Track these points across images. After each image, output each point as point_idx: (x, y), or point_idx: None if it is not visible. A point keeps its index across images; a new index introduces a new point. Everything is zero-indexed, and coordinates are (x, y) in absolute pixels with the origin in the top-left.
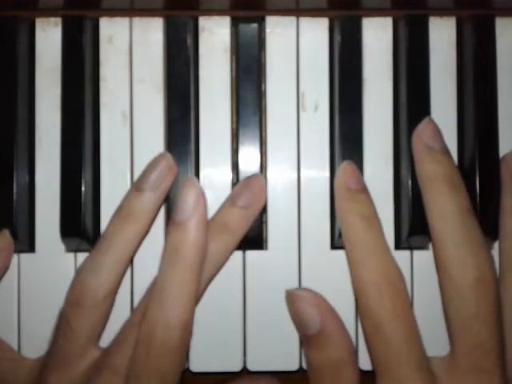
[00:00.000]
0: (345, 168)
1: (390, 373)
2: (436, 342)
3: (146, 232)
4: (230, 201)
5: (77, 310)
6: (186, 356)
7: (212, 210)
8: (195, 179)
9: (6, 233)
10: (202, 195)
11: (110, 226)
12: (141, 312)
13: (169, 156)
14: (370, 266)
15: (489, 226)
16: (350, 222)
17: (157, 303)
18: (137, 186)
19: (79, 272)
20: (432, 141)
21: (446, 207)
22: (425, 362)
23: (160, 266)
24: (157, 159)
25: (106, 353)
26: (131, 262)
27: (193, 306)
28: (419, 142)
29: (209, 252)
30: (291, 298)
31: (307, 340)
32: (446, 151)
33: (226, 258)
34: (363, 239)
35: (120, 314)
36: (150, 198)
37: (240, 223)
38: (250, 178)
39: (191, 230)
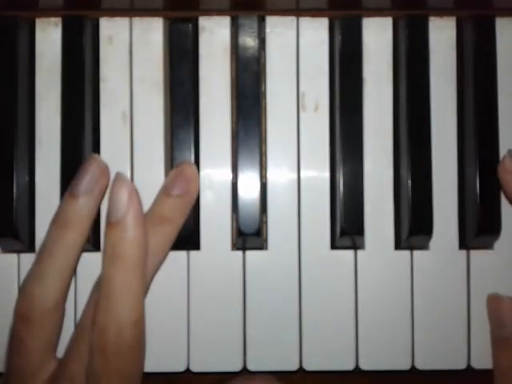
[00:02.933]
0: None
1: None
2: (436, 342)
3: (87, 236)
4: (165, 191)
5: (28, 325)
6: (143, 353)
7: (212, 210)
8: (124, 175)
9: None
10: (134, 190)
11: (49, 235)
12: (89, 316)
13: (98, 158)
14: None
15: (488, 226)
16: None
17: (104, 306)
18: (70, 192)
19: (24, 285)
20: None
21: None
22: None
23: (102, 268)
24: (87, 163)
25: (62, 363)
26: None
27: (141, 303)
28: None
29: (150, 245)
30: (493, 300)
31: (499, 342)
32: None
33: (168, 249)
34: None
35: None
36: (85, 202)
37: (177, 212)
38: (180, 166)
39: (128, 228)
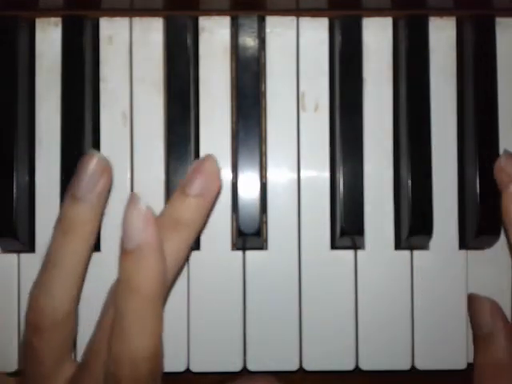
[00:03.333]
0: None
1: None
2: (436, 342)
3: (94, 238)
4: (181, 190)
5: (39, 334)
6: (160, 381)
7: (212, 210)
8: (137, 195)
9: None
10: (150, 214)
11: (54, 242)
12: (103, 337)
13: (98, 154)
14: None
15: (488, 226)
16: None
17: (119, 338)
18: (72, 195)
19: (32, 293)
20: None
21: None
22: None
23: (116, 297)
24: (85, 161)
25: (78, 377)
26: None
27: (158, 335)
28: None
29: (166, 252)
30: (472, 300)
31: (478, 340)
32: None
33: (186, 255)
34: None
35: None
36: (87, 205)
37: (195, 214)
38: (200, 160)
39: (144, 258)
